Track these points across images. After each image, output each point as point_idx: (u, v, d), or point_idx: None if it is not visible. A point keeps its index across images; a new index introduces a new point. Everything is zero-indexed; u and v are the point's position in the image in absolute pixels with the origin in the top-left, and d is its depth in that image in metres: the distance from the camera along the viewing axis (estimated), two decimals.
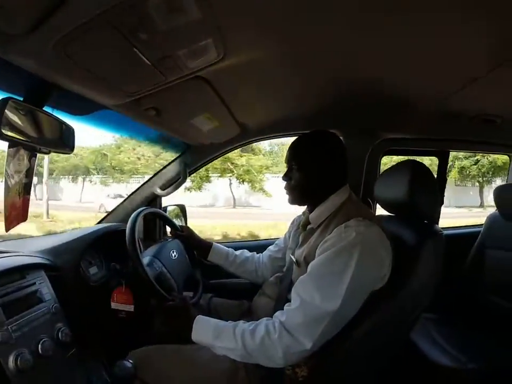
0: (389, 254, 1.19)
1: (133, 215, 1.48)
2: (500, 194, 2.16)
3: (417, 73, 1.44)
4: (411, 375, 1.77)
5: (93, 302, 1.47)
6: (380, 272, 1.17)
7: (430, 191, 1.37)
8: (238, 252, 1.82)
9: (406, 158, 1.96)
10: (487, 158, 14.79)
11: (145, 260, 1.49)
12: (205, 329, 1.19)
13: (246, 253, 1.83)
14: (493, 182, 16.29)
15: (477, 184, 17.21)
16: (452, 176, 16.25)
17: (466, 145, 2.54)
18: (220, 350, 1.15)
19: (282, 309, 1.16)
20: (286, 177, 1.39)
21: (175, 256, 1.65)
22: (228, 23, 0.87)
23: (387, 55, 1.26)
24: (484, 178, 16.67)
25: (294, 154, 1.38)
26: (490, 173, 15.93)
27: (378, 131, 2.09)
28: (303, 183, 1.34)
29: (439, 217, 1.43)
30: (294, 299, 1.15)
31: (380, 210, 1.66)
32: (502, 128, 2.22)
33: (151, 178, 2.07)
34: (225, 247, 1.82)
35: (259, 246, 2.06)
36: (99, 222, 2.02)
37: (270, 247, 1.81)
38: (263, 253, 1.81)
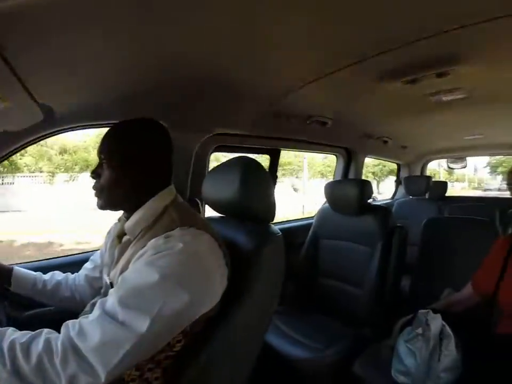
0: (221, 266, 1.01)
1: None
2: (328, 189, 2.35)
3: (253, 71, 1.38)
4: (271, 377, 1.69)
5: None
6: (211, 289, 0.98)
7: (263, 189, 1.27)
8: (47, 276, 1.39)
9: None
10: (383, 166, 17.39)
11: None
12: None
13: (58, 275, 1.41)
14: (384, 180, 19.09)
15: (375, 180, 19.77)
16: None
17: (297, 145, 2.69)
18: None
19: None
20: (94, 174, 1.09)
21: None
22: None
23: (220, 48, 1.17)
24: (380, 178, 19.48)
25: (104, 146, 1.09)
26: (384, 173, 18.71)
27: (208, 125, 1.93)
28: (113, 183, 1.06)
29: (274, 217, 1.34)
30: (95, 310, 0.87)
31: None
32: (332, 130, 2.40)
33: None
34: (31, 272, 1.38)
35: (77, 261, 1.68)
36: None
37: (86, 264, 1.44)
38: (79, 272, 1.43)
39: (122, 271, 1.00)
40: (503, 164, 18.99)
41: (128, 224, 1.08)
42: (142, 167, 1.07)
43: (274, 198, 1.31)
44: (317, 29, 1.09)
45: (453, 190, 18.56)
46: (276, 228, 1.27)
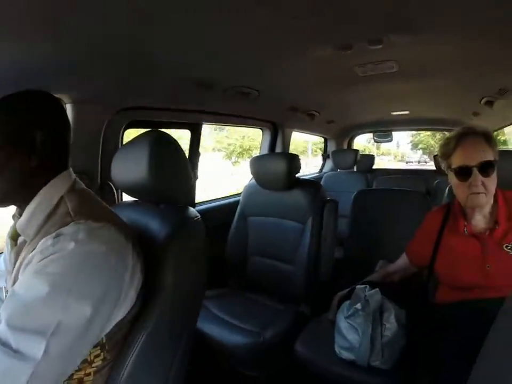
0: (129, 262, 0.85)
1: None
2: (254, 164, 2.22)
3: (167, 36, 1.25)
4: (209, 368, 1.69)
5: None
6: (120, 292, 0.82)
7: (178, 168, 1.14)
8: None
9: None
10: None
11: None
12: None
13: None
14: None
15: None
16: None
17: (221, 119, 2.54)
18: None
19: None
20: None
21: None
22: None
23: (129, 14, 1.05)
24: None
25: None
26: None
27: (118, 98, 1.72)
28: None
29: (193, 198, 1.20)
30: None
31: None
32: (258, 103, 2.32)
33: None
34: None
35: None
36: None
37: None
38: None
39: (14, 282, 0.82)
40: (422, 142, 23.33)
41: (20, 221, 0.89)
42: (29, 147, 0.86)
43: (191, 177, 1.18)
44: None
45: (382, 162, 21.46)
46: (193, 211, 1.16)
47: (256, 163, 2.24)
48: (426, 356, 1.38)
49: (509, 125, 3.12)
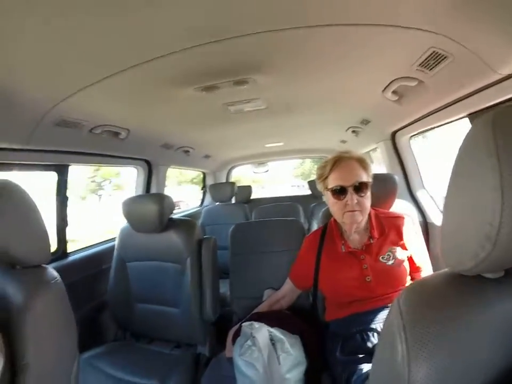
0: None
1: None
2: (126, 207, 2.16)
3: (22, 73, 1.21)
4: None
5: None
6: None
7: (28, 223, 1.06)
8: None
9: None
10: None
11: None
12: None
13: None
14: None
15: None
16: None
17: (90, 159, 2.42)
18: None
19: None
20: None
21: None
22: None
23: None
24: None
25: None
26: None
27: None
28: None
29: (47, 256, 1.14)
30: None
31: None
32: (128, 141, 2.31)
33: None
34: None
35: None
36: None
37: None
38: None
39: None
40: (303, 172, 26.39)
41: None
42: None
43: (44, 231, 1.12)
44: (90, 28, 1.01)
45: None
46: (52, 272, 1.11)
47: (128, 205, 2.19)
48: (329, 369, 1.56)
49: (372, 150, 3.50)
